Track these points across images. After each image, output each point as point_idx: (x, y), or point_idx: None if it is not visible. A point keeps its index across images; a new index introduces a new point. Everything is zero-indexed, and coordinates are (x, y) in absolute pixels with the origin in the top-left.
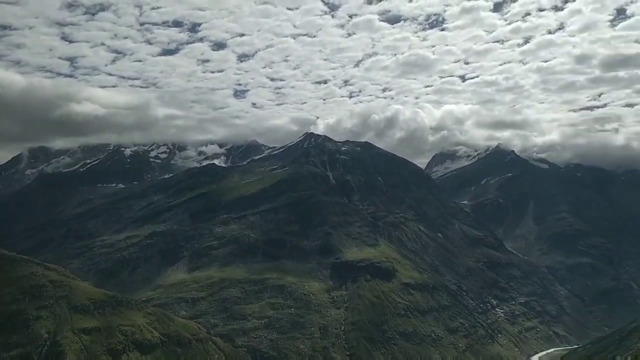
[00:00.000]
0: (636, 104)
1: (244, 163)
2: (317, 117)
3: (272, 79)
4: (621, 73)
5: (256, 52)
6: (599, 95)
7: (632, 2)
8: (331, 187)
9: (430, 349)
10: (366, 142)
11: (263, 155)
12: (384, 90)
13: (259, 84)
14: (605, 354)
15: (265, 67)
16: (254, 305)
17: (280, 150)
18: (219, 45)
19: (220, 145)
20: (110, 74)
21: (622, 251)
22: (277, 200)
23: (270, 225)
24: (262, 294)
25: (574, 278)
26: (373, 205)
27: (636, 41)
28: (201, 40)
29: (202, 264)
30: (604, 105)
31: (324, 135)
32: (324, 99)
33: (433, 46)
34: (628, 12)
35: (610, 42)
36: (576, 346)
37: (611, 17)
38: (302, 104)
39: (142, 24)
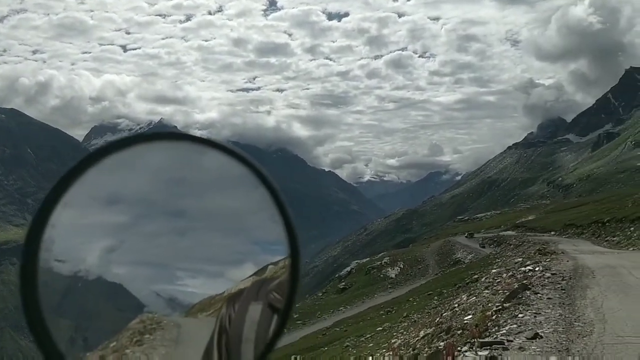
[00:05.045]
0: (285, 90)
1: None
2: None
3: None
4: (272, 60)
5: None
6: (254, 79)
7: None
8: None
9: None
10: (13, 108)
11: None
12: (34, 52)
13: None
14: None
15: None
16: None
17: None
18: None
19: None
20: None
21: None
22: None
23: None
24: None
25: None
26: (21, 180)
27: (285, 32)
28: None
29: None
30: (258, 88)
31: None
32: None
33: (91, 11)
34: (279, 4)
35: (263, 30)
36: None
37: (264, 7)
38: None
39: None
